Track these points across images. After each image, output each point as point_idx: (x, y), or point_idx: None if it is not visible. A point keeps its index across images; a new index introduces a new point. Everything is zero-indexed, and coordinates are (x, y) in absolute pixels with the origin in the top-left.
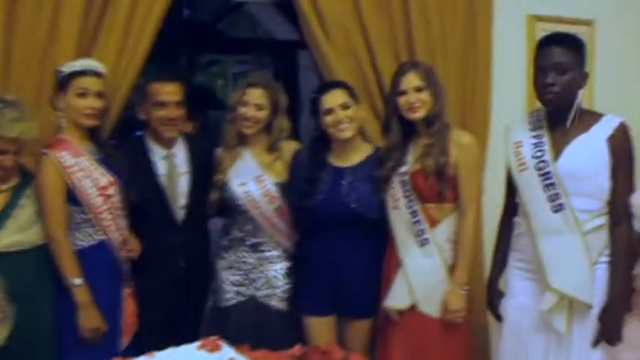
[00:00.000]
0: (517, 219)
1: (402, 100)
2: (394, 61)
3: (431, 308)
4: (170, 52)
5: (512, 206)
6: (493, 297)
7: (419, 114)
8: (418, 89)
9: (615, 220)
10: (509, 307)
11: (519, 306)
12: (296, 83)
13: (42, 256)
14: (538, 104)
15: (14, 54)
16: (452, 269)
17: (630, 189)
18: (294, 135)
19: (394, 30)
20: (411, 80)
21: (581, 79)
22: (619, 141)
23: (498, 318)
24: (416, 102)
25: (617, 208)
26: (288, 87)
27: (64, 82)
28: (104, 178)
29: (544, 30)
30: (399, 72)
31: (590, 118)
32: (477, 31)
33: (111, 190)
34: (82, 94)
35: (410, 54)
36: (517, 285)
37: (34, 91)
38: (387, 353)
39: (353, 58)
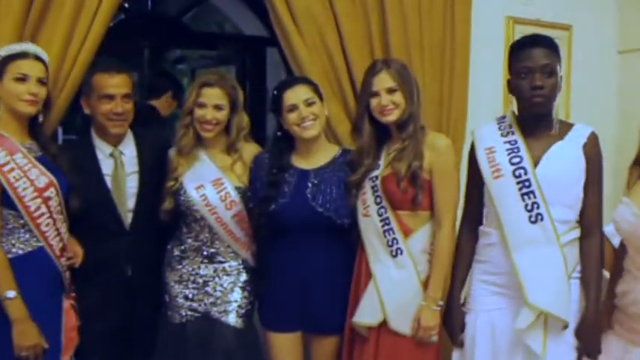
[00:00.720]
0: (484, 228)
1: (374, 102)
2: (368, 59)
3: (403, 325)
4: (133, 46)
5: (474, 214)
6: (454, 314)
7: (391, 117)
8: (391, 90)
9: (587, 232)
10: (477, 324)
11: (489, 323)
12: (263, 81)
13: None
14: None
15: None
16: (426, 283)
17: (600, 199)
18: (261, 135)
19: (369, 27)
20: (384, 81)
21: (560, 83)
22: (592, 150)
23: (455, 338)
24: (388, 104)
25: (589, 219)
26: (255, 84)
27: (1, 67)
28: (43, 178)
29: (522, 33)
30: (371, 71)
31: (562, 125)
32: (455, 31)
33: (50, 192)
34: (21, 79)
35: (385, 52)
36: (485, 301)
37: None
38: None
39: (325, 55)
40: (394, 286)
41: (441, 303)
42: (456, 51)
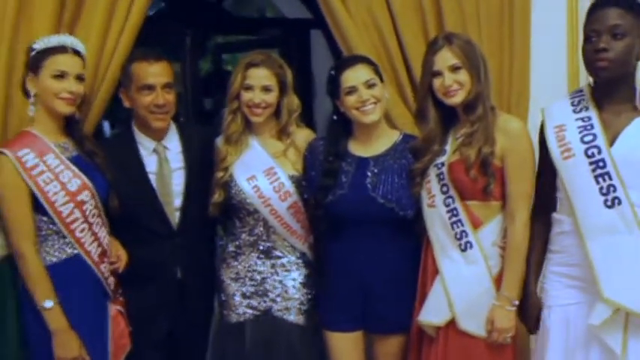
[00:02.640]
0: (557, 215)
1: (437, 83)
2: (421, 36)
3: (474, 325)
4: (174, 34)
5: (546, 200)
6: (530, 307)
7: (457, 98)
8: (454, 68)
9: None
10: (550, 320)
11: (563, 319)
12: (308, 64)
13: (6, 273)
14: (581, 83)
15: None
16: (498, 279)
17: None
18: (308, 121)
19: (421, 1)
20: (446, 58)
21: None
22: None
23: (533, 330)
24: (452, 84)
25: None
26: (300, 68)
27: (37, 61)
28: (76, 180)
29: None
30: (431, 49)
31: None
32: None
33: (84, 196)
34: (59, 76)
35: (439, 27)
36: (559, 294)
37: (5, 71)
38: None
39: (376, 34)
40: (463, 283)
41: (516, 302)
42: (515, 21)
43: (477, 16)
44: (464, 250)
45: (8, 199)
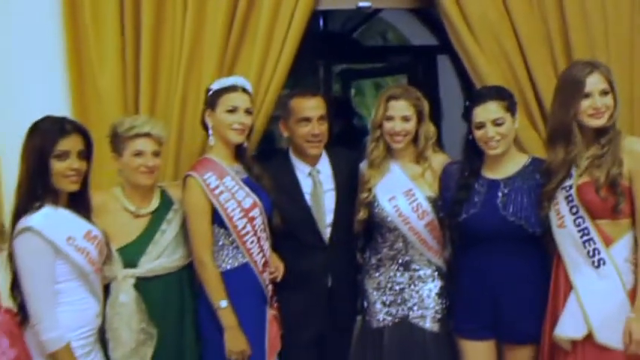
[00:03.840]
0: None
1: (584, 104)
2: (549, 64)
3: (611, 338)
4: (307, 64)
5: None
6: None
7: (602, 120)
8: (604, 92)
9: None
10: None
11: None
12: (436, 89)
13: (185, 278)
14: None
15: (161, 71)
16: (632, 294)
17: None
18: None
19: (548, 29)
20: (598, 82)
21: None
22: None
23: None
24: (602, 107)
25: None
26: (427, 93)
27: (213, 99)
28: (248, 199)
29: None
30: (581, 72)
31: None
32: None
33: (254, 212)
34: (232, 110)
35: (567, 54)
36: None
37: (179, 107)
38: None
39: (505, 62)
40: (599, 298)
41: None
42: None
43: (605, 42)
44: (597, 267)
45: (194, 214)
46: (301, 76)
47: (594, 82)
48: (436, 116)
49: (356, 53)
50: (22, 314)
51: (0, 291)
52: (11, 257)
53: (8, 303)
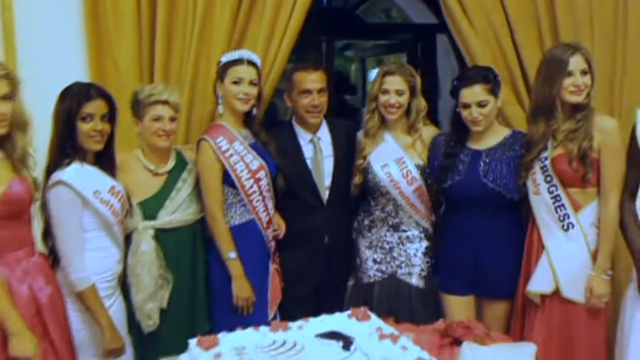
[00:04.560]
0: None
1: (566, 82)
2: (536, 43)
3: (575, 293)
4: (311, 40)
5: (632, 185)
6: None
7: (579, 97)
8: (584, 72)
9: None
10: None
11: None
12: (434, 67)
13: (198, 231)
14: None
15: (174, 43)
16: (594, 254)
17: None
18: (433, 119)
19: (537, 10)
20: (579, 62)
21: None
22: None
23: None
24: (582, 85)
25: None
26: (426, 71)
27: (222, 71)
28: (255, 162)
29: None
30: (565, 53)
31: None
32: (629, 9)
33: (260, 174)
34: (237, 82)
35: (553, 34)
36: None
37: (191, 77)
38: (527, 335)
39: (494, 41)
40: (566, 258)
41: (610, 272)
42: (628, 32)
43: (590, 24)
44: (566, 230)
45: (207, 174)
46: (305, 51)
47: (576, 62)
48: (434, 92)
49: (358, 30)
50: (53, 257)
51: (34, 237)
52: (44, 207)
53: (41, 247)
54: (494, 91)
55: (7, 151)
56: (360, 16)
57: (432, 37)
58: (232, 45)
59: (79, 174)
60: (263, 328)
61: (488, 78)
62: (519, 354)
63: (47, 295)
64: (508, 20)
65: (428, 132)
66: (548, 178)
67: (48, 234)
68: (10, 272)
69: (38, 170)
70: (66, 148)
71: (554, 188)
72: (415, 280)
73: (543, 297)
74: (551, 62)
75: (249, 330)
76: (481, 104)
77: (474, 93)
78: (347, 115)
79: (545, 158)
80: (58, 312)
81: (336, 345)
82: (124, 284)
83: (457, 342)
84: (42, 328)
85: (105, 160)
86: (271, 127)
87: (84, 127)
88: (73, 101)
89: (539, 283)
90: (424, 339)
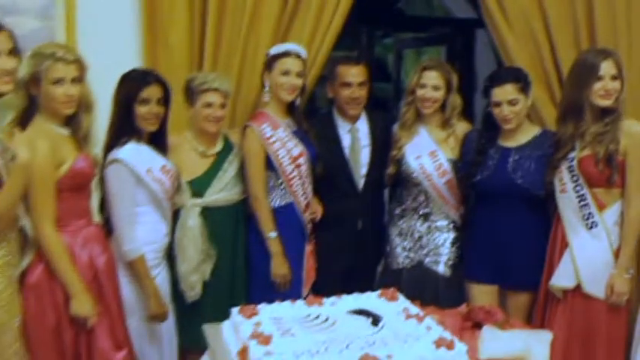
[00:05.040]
0: None
1: (597, 86)
2: (573, 46)
3: (596, 289)
4: (351, 31)
5: None
6: None
7: (609, 101)
8: (614, 77)
9: None
10: None
11: None
12: (472, 61)
13: (240, 211)
14: None
15: (224, 32)
16: (617, 253)
17: None
18: (469, 112)
19: (575, 13)
20: (610, 67)
21: None
22: None
23: None
24: (611, 89)
25: None
26: (464, 65)
27: (270, 62)
28: (296, 149)
29: None
30: (597, 57)
31: None
32: None
33: (301, 160)
34: (285, 73)
35: (591, 39)
36: None
37: (239, 66)
38: (548, 327)
39: (532, 42)
40: (589, 255)
41: (632, 271)
42: None
43: (628, 29)
44: (590, 228)
45: (251, 158)
46: (345, 41)
47: (607, 67)
48: (471, 87)
49: (398, 22)
50: (107, 228)
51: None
52: (101, 182)
53: (97, 219)
54: (524, 90)
55: (73, 130)
56: (401, 7)
57: (471, 32)
58: (279, 37)
59: (134, 153)
60: (299, 302)
61: (519, 77)
62: (535, 339)
63: (103, 262)
64: (546, 22)
65: (461, 128)
66: (575, 178)
67: (104, 206)
68: (72, 240)
69: (97, 148)
70: (124, 128)
71: (579, 188)
72: (442, 269)
73: (565, 291)
74: (583, 66)
75: (287, 303)
76: (512, 102)
77: (505, 92)
78: (378, 103)
79: (573, 159)
80: (112, 278)
81: (366, 321)
82: (169, 256)
83: (478, 325)
84: (98, 292)
85: (158, 141)
86: (311, 115)
87: (141, 109)
88: (132, 86)
89: (562, 278)
90: (448, 321)
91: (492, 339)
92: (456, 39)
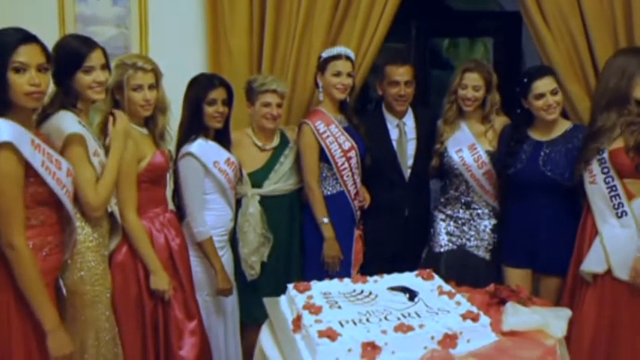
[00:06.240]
0: None
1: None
2: (610, 42)
3: (625, 274)
4: (400, 27)
5: None
6: None
7: None
8: None
9: None
10: None
11: None
12: (519, 53)
13: (295, 199)
14: None
15: (280, 37)
16: None
17: None
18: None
19: (613, 10)
20: None
21: None
22: None
23: None
24: None
25: None
26: (511, 57)
27: (323, 64)
28: (347, 143)
29: None
30: (637, 56)
31: None
32: None
33: (351, 153)
34: (336, 74)
35: (628, 35)
36: None
37: (293, 68)
38: (579, 308)
39: (569, 38)
40: (619, 243)
41: None
42: None
43: None
44: (620, 217)
45: (307, 152)
46: (393, 37)
47: None
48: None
49: (448, 17)
50: (180, 214)
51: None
52: (175, 174)
53: (171, 206)
54: (560, 83)
55: (150, 129)
56: (448, 3)
57: (518, 25)
58: (329, 40)
59: (203, 147)
60: (346, 280)
61: (553, 71)
62: (554, 315)
63: (177, 244)
64: (583, 20)
65: (500, 121)
66: (605, 170)
67: (176, 195)
68: (151, 225)
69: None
70: (193, 126)
71: (610, 179)
72: (482, 253)
73: (595, 276)
74: (634, 59)
75: (335, 280)
76: (554, 92)
77: (547, 83)
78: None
79: (604, 151)
80: (185, 257)
81: (403, 296)
82: (233, 240)
83: (503, 302)
84: (173, 270)
85: (223, 137)
86: (363, 105)
87: (209, 110)
88: (200, 89)
89: (592, 264)
90: (476, 297)
91: (514, 313)
92: (502, 31)
